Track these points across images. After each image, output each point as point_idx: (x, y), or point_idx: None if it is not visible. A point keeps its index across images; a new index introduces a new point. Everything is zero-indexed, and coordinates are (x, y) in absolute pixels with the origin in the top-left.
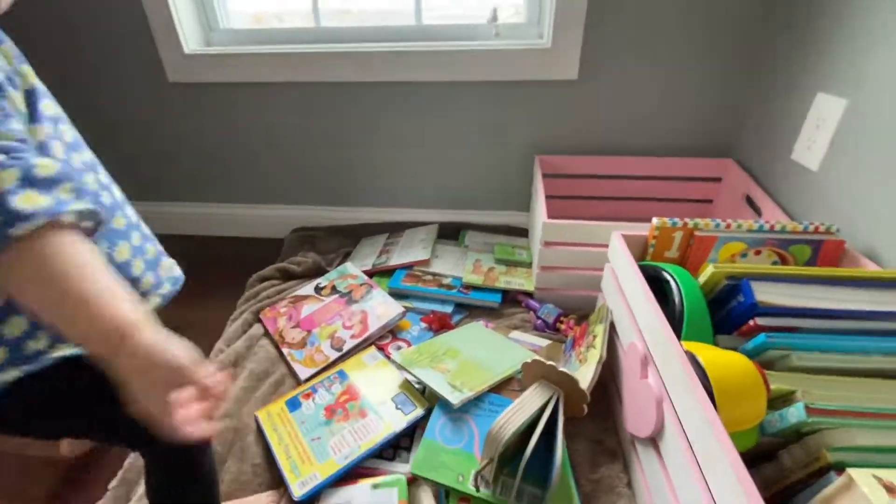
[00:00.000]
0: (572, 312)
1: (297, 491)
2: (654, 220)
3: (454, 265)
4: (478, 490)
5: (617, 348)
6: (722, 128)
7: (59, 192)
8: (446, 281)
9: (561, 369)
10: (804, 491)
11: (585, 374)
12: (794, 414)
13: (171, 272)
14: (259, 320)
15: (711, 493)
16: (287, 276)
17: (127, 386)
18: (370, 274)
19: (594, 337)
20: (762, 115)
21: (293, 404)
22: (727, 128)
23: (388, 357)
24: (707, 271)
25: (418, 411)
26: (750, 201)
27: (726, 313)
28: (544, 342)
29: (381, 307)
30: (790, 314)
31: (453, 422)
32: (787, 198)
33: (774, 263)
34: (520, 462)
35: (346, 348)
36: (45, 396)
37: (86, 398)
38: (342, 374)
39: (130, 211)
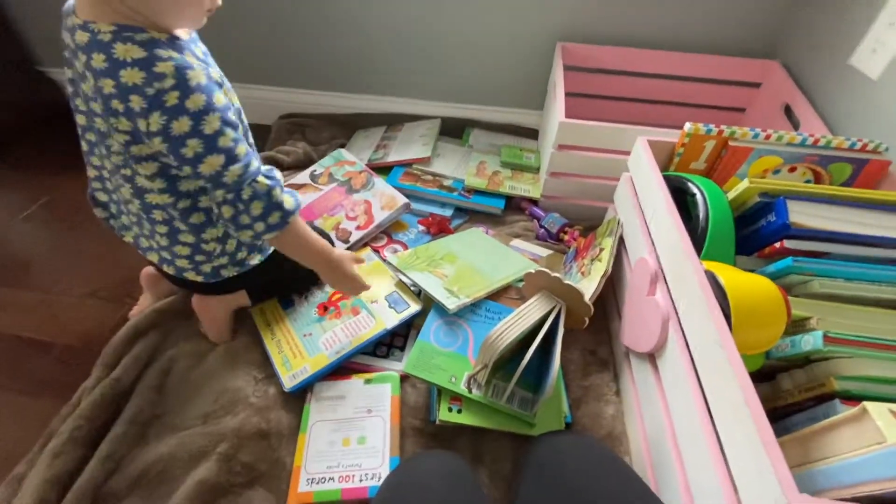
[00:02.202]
0: (578, 223)
1: (288, 383)
2: (687, 126)
3: (456, 166)
4: (470, 392)
5: (623, 263)
6: (769, 24)
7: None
8: (447, 182)
9: (566, 282)
10: (799, 413)
11: (588, 288)
12: (810, 342)
13: None
14: None
15: (710, 412)
16: (275, 165)
17: (331, 283)
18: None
19: (601, 250)
20: (819, 8)
21: (286, 302)
22: (775, 25)
23: (383, 259)
24: (740, 186)
25: (412, 309)
26: (788, 112)
27: (751, 233)
28: (545, 252)
29: (384, 197)
30: (822, 238)
31: (448, 325)
32: (833, 110)
33: (807, 182)
34: (514, 369)
35: (352, 240)
36: (264, 272)
37: (282, 272)
38: None
39: None
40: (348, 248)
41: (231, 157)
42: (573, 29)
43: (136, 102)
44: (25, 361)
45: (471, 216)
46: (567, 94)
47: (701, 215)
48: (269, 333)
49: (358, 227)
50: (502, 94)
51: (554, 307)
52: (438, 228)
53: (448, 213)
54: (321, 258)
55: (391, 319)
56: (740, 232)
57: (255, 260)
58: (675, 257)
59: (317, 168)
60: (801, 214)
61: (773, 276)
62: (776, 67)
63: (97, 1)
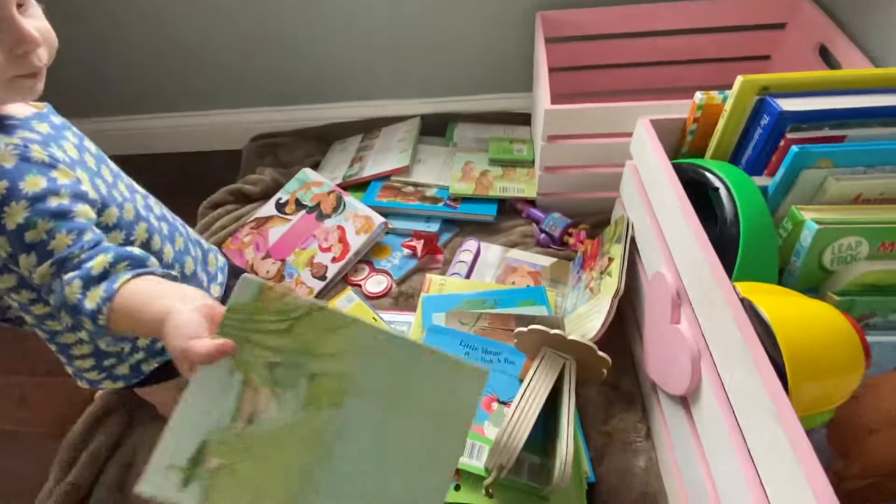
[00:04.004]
0: (584, 220)
1: None
2: (698, 96)
3: (440, 171)
4: (490, 497)
5: (638, 271)
6: None
7: (114, 274)
8: (431, 192)
9: (571, 338)
10: None
11: (597, 313)
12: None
13: (217, 263)
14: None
15: (761, 479)
16: (243, 198)
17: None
18: (342, 189)
19: (609, 260)
20: None
21: None
22: None
23: (366, 297)
24: (735, 86)
25: None
26: (824, 53)
27: (755, 151)
28: (548, 261)
29: (358, 219)
30: (827, 119)
31: None
32: (880, 41)
33: None
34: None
35: (329, 275)
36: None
37: None
38: None
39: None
40: (326, 286)
41: (41, 255)
42: None
43: None
44: None
45: (461, 227)
46: (554, 70)
47: (728, 216)
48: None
49: (333, 260)
50: (485, 80)
51: (563, 369)
52: (428, 248)
53: (435, 227)
54: (156, 334)
55: None
56: (745, 154)
57: None
58: (700, 278)
59: (282, 195)
60: (796, 105)
61: (785, 184)
62: (803, 2)
63: None
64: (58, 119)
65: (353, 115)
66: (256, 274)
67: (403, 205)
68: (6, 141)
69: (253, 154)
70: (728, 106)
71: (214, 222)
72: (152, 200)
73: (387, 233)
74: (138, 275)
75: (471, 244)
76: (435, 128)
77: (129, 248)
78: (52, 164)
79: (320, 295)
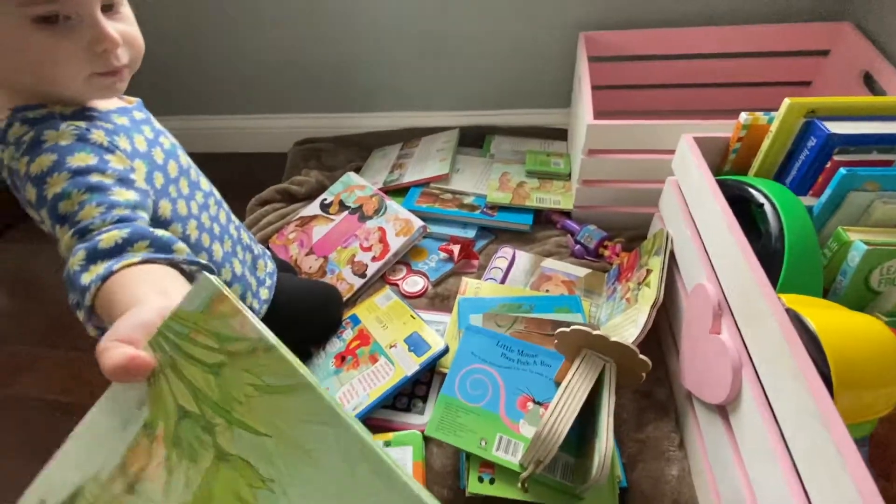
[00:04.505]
0: (619, 234)
1: None
2: (743, 116)
3: (478, 180)
4: (525, 492)
5: (676, 284)
6: None
7: (126, 253)
8: (468, 200)
9: (613, 339)
10: None
11: (636, 321)
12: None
13: (266, 269)
14: (268, 249)
15: (804, 487)
16: (289, 197)
17: None
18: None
19: (647, 272)
20: None
21: (304, 354)
22: None
23: (403, 296)
24: (782, 108)
25: (434, 350)
26: (868, 81)
27: (800, 172)
28: (583, 272)
29: (398, 222)
30: (875, 143)
31: (476, 374)
32: None
33: None
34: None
35: (369, 273)
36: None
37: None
38: (354, 319)
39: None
40: (366, 283)
41: (71, 226)
42: (596, 16)
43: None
44: (52, 426)
45: (497, 235)
46: (595, 88)
47: (773, 232)
48: None
49: (374, 259)
50: (523, 95)
51: (602, 370)
52: (464, 254)
53: (471, 234)
54: None
55: (411, 365)
56: (790, 174)
57: None
58: (744, 289)
59: (327, 196)
60: (844, 128)
61: (832, 204)
62: (847, 29)
63: None
64: (142, 114)
65: (392, 125)
66: (300, 270)
67: (442, 210)
68: (71, 123)
69: (297, 157)
70: (774, 127)
71: (262, 218)
72: (213, 200)
73: (424, 237)
74: (153, 260)
75: (506, 251)
76: (472, 139)
77: (155, 230)
78: (109, 149)
79: (360, 292)
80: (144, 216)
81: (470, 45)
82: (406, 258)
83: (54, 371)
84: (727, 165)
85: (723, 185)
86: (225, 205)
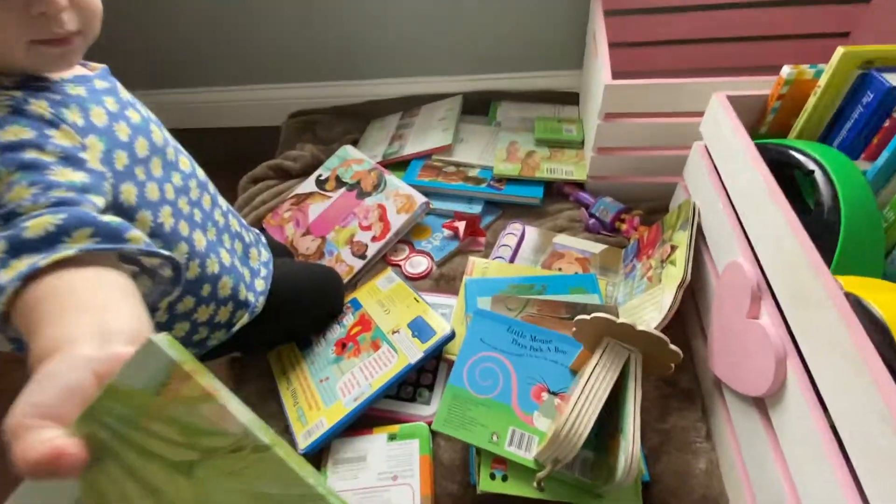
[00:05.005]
0: (637, 206)
1: (302, 442)
2: (785, 70)
3: (483, 150)
4: (541, 491)
5: (704, 262)
6: None
7: (60, 244)
8: (473, 173)
9: (640, 328)
10: None
11: (658, 302)
12: None
13: (260, 258)
14: (262, 230)
15: (861, 488)
16: (283, 174)
17: None
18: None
19: (672, 248)
20: None
21: (304, 341)
22: None
23: (406, 278)
24: (833, 59)
25: (439, 335)
26: None
27: (850, 132)
28: (598, 247)
29: (399, 198)
30: None
31: (485, 362)
32: None
33: None
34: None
35: (369, 254)
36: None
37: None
38: (355, 303)
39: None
40: (366, 265)
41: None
42: None
43: None
44: None
45: (504, 210)
46: (612, 46)
47: (826, 202)
48: (284, 381)
49: (374, 239)
50: (531, 56)
51: (627, 362)
52: (470, 232)
53: (477, 209)
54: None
55: (415, 352)
56: (839, 136)
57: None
58: (791, 269)
59: (322, 172)
60: None
61: (889, 169)
62: None
63: None
64: (105, 83)
65: (391, 93)
66: (296, 251)
67: (445, 184)
68: (5, 92)
69: (291, 130)
70: (823, 81)
71: (255, 197)
72: (194, 183)
73: (427, 213)
74: (97, 254)
75: (515, 227)
76: (477, 106)
77: (103, 216)
78: (52, 122)
79: (360, 274)
80: (96, 202)
81: (471, 3)
82: (408, 237)
83: None
84: (764, 127)
85: (762, 150)
86: (211, 187)
